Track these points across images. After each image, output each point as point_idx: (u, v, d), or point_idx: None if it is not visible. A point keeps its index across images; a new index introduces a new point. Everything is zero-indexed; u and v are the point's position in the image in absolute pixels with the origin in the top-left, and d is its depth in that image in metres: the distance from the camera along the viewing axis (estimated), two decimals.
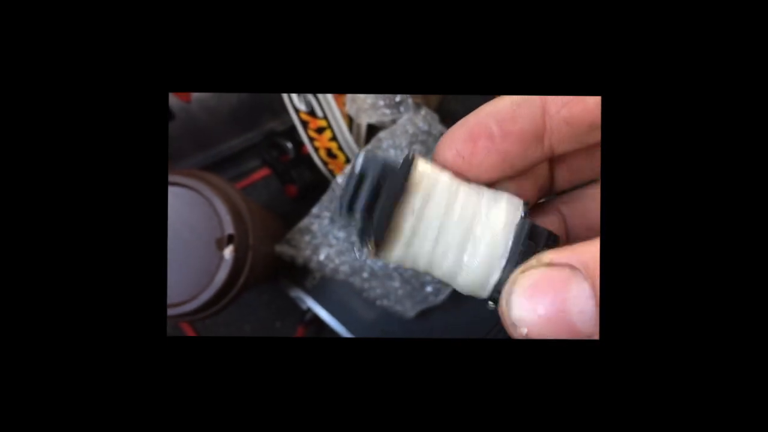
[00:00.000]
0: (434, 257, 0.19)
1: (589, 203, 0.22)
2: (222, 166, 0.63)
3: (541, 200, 0.23)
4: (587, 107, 0.19)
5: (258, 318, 0.62)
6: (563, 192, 0.23)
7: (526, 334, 0.17)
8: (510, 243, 0.19)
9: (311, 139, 0.56)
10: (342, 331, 0.56)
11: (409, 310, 0.54)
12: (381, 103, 0.53)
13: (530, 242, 0.18)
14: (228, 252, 0.42)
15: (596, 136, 0.19)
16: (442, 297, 0.54)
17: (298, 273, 0.57)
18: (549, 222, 0.22)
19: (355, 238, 0.19)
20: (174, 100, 0.55)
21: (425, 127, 0.53)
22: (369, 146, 0.54)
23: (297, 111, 0.55)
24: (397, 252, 0.19)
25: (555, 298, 0.16)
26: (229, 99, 0.58)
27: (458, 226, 0.19)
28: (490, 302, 0.19)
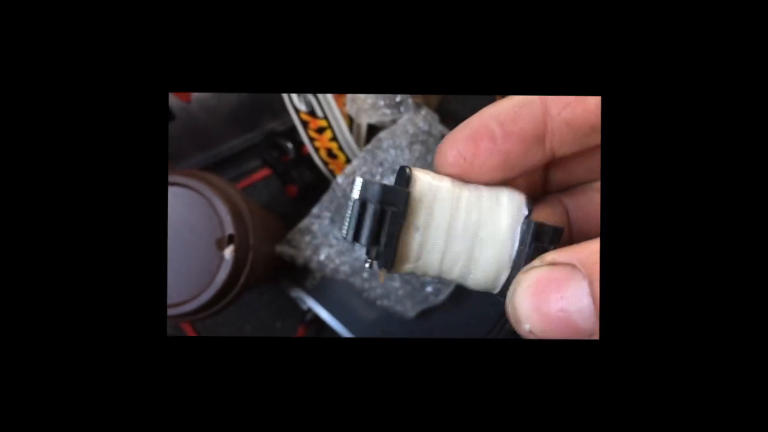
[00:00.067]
0: (444, 266, 0.19)
1: (592, 195, 0.22)
2: (222, 166, 0.63)
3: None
4: (588, 109, 0.19)
5: (258, 318, 0.62)
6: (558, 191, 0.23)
7: (530, 331, 0.17)
8: (516, 244, 0.19)
9: (311, 139, 0.56)
10: (342, 331, 0.56)
11: (410, 310, 0.54)
12: (381, 103, 0.53)
13: (536, 243, 0.19)
14: (228, 252, 0.42)
15: (597, 139, 0.20)
16: (442, 297, 0.55)
17: (299, 273, 0.57)
18: (552, 213, 0.22)
19: (364, 257, 0.19)
20: (174, 100, 0.55)
21: (425, 127, 0.53)
22: (369, 146, 0.54)
23: (297, 111, 0.55)
24: (408, 267, 0.19)
25: (555, 297, 0.17)
26: (229, 99, 0.58)
27: (464, 233, 0.19)
28: (500, 298, 0.20)
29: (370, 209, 0.18)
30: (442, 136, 0.20)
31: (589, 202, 0.22)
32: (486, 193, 0.20)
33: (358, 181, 0.18)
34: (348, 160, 0.57)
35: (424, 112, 0.53)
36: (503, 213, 0.19)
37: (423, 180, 0.19)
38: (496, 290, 0.20)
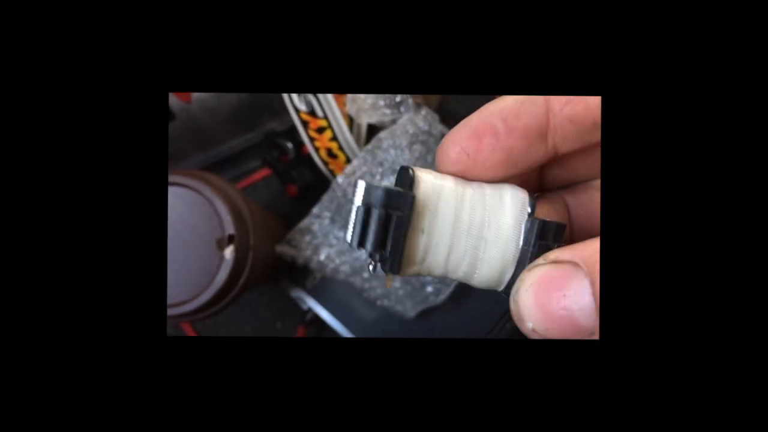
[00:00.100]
0: (449, 265, 0.19)
1: (593, 193, 0.22)
2: (222, 166, 0.63)
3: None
4: (590, 105, 0.19)
5: (258, 318, 0.62)
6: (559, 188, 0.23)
7: (533, 330, 0.17)
8: (520, 242, 0.19)
9: (312, 139, 0.56)
10: (342, 331, 0.56)
11: (410, 310, 0.54)
12: (381, 103, 0.53)
13: (540, 242, 0.19)
14: (228, 252, 0.42)
15: (599, 135, 0.19)
16: (442, 297, 0.54)
17: (299, 273, 0.57)
18: (553, 210, 0.22)
19: (368, 261, 0.19)
20: (174, 100, 0.55)
21: (425, 127, 0.53)
22: (369, 146, 0.54)
23: (297, 111, 0.55)
24: (414, 269, 0.19)
25: (558, 295, 0.17)
26: (229, 99, 0.58)
27: (469, 233, 0.19)
28: (505, 295, 0.20)
29: (375, 214, 0.18)
30: (442, 136, 0.20)
31: (590, 200, 0.22)
32: (489, 191, 0.19)
33: (361, 185, 0.18)
34: (348, 160, 0.57)
35: (424, 112, 0.53)
36: (507, 211, 0.19)
37: (426, 181, 0.19)
38: (501, 288, 0.20)
